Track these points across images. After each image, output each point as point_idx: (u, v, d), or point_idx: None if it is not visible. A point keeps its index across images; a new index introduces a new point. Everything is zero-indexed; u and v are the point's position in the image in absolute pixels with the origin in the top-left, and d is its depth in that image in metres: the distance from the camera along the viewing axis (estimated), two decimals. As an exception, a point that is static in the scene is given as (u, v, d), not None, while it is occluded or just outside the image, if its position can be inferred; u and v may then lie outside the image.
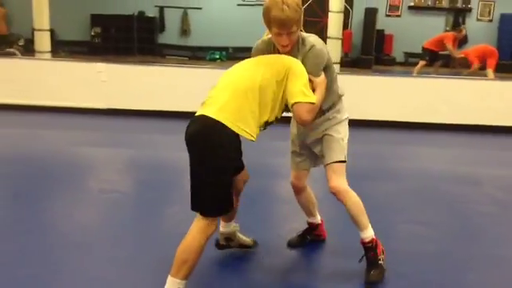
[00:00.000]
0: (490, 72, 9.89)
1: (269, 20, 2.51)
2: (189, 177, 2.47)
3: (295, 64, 2.53)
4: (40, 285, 2.79)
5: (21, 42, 12.20)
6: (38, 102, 7.16)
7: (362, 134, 7.13)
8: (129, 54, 13.58)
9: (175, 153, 5.70)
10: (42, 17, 8.80)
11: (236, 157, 2.62)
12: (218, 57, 13.85)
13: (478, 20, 14.14)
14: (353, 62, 12.83)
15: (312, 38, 2.67)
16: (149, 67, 7.68)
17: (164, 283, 2.45)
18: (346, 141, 2.89)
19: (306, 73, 2.52)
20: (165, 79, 7.35)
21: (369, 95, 7.18)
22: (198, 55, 13.91)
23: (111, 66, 7.32)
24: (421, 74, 9.92)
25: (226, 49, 14.04)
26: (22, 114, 6.98)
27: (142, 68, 7.56)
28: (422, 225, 3.77)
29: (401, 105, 7.26)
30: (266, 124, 2.53)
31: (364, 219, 2.82)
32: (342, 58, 11.73)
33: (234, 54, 13.67)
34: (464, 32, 10.83)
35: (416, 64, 10.81)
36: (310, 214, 3.29)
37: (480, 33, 13.45)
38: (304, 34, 2.68)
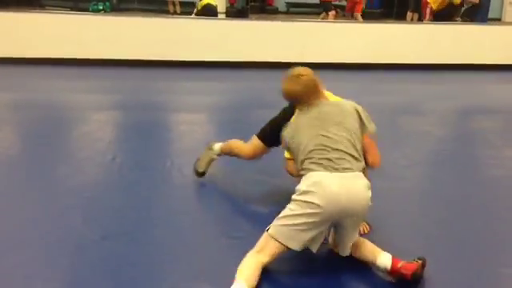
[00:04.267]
0: (358, 15, 10.77)
1: None
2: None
3: None
4: None
5: None
6: None
7: (245, 73, 7.79)
8: (2, 5, 12.79)
9: (54, 94, 6.00)
10: None
11: None
12: (101, 8, 13.48)
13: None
14: (238, 12, 13.19)
15: None
16: (26, 14, 7.48)
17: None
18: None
19: None
20: (44, 27, 7.29)
21: (252, 39, 7.78)
22: (80, 6, 13.42)
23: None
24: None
25: (108, -1, 13.71)
26: None
27: (19, 15, 7.36)
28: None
29: (277, 46, 7.90)
30: None
31: None
32: (227, 9, 12.23)
33: (119, 5, 13.44)
34: None
35: (297, 14, 11.44)
36: None
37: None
38: None
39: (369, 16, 11.71)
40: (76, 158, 4.01)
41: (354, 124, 2.55)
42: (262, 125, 3.19)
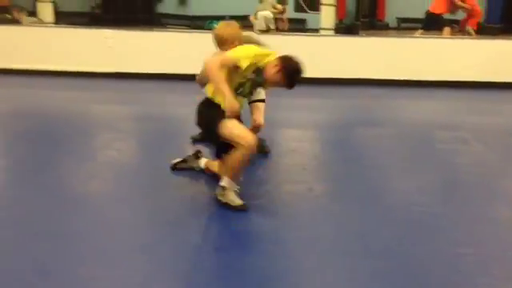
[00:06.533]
0: (470, 29, 10.15)
1: None
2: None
3: None
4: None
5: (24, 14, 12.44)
6: (46, 66, 7.65)
7: (351, 90, 7.69)
8: (129, 25, 13.86)
9: (176, 108, 6.34)
10: (44, -13, 9.16)
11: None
12: (215, 25, 14.12)
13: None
14: (348, 28, 13.12)
15: None
16: (153, 33, 8.08)
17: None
18: None
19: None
20: (168, 44, 7.80)
21: (357, 56, 7.75)
22: (197, 24, 14.18)
23: (118, 32, 7.73)
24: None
25: (223, 18, 14.29)
26: (38, 78, 7.59)
27: (147, 33, 7.95)
28: (407, 161, 4.46)
29: (387, 64, 7.77)
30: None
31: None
32: (336, 25, 12.18)
33: (231, 23, 14.00)
34: None
35: (409, 29, 11.11)
36: None
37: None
38: None
39: (487, 31, 11.11)
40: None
41: None
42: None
